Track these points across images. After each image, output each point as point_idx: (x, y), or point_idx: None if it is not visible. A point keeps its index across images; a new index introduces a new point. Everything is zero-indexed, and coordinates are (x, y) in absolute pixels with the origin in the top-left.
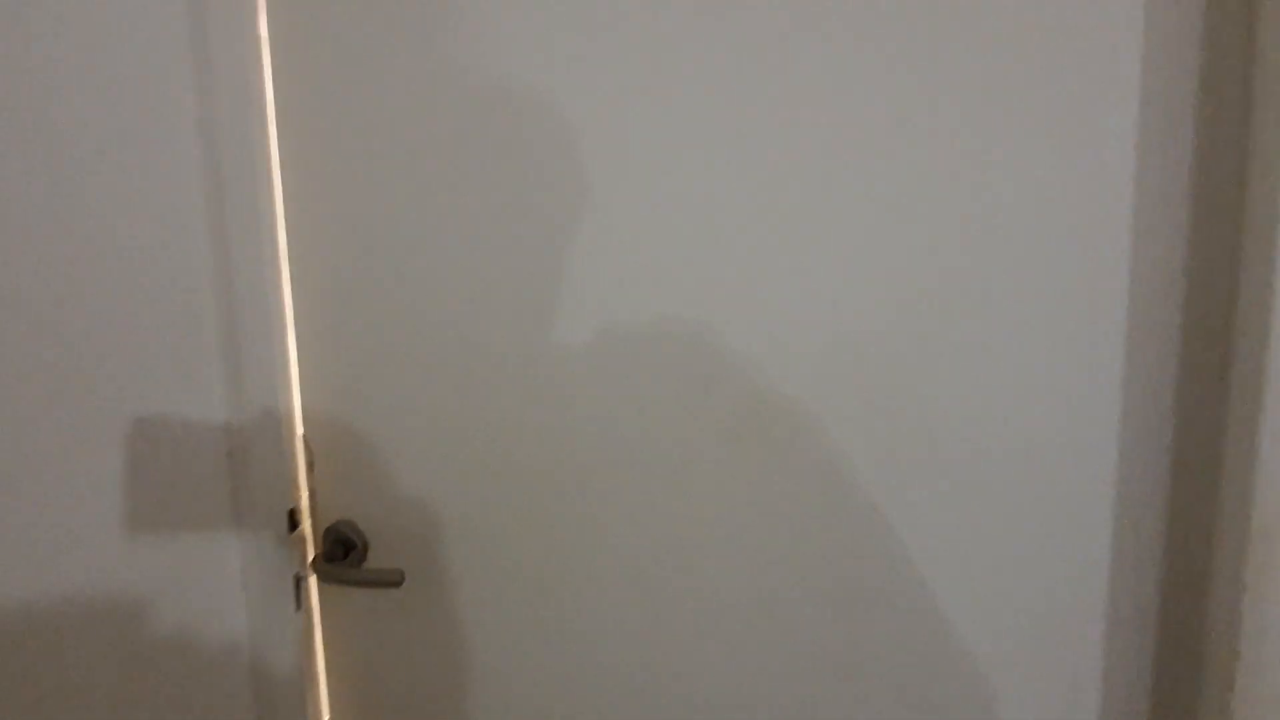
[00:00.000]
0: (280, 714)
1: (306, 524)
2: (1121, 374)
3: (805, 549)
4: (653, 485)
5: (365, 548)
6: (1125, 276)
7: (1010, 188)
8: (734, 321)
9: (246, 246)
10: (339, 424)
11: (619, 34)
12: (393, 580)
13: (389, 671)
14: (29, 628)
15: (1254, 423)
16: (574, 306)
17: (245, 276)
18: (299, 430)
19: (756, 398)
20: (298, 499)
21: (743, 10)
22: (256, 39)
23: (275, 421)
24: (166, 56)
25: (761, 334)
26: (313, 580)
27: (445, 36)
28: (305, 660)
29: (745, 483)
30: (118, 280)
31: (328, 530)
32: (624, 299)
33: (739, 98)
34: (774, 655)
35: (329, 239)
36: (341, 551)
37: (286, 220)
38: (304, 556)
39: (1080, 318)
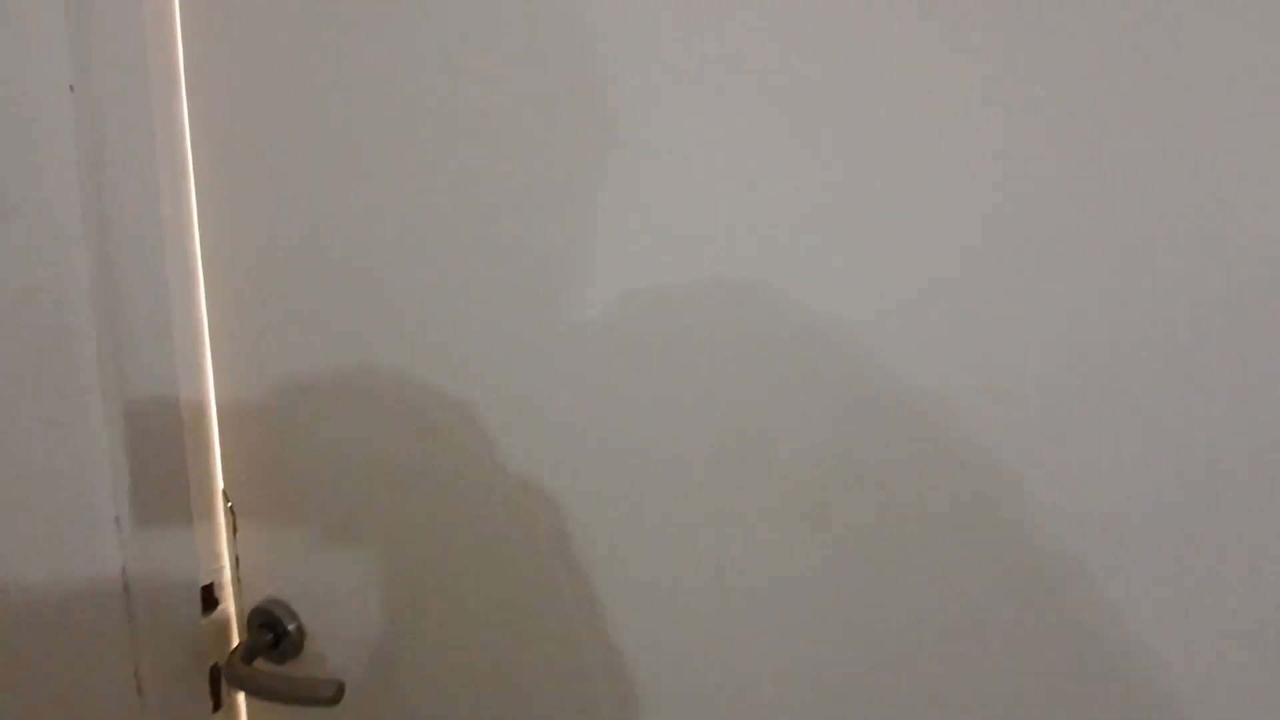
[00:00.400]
0: None
1: (230, 602)
2: None
3: (922, 697)
4: (679, 572)
5: (301, 635)
6: None
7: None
8: (821, 324)
9: (146, 250)
10: (270, 473)
11: None
12: (327, 697)
13: None
14: None
15: None
16: (574, 318)
17: (136, 274)
18: (219, 483)
19: (844, 450)
20: (217, 571)
21: None
22: None
23: (181, 470)
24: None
25: (874, 346)
26: None
27: None
28: None
29: (823, 579)
30: None
31: (253, 613)
32: (641, 315)
33: None
34: None
35: (255, 237)
36: (270, 640)
37: (201, 226)
38: (227, 643)
39: None
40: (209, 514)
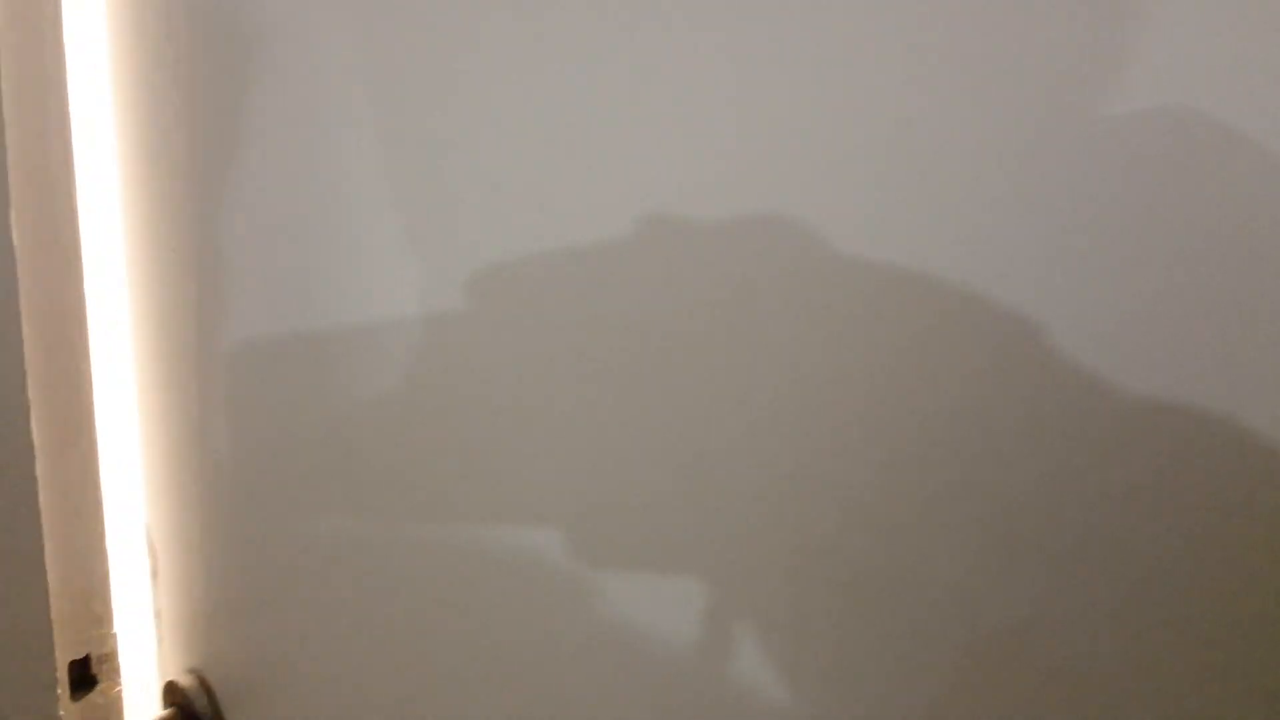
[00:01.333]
0: None
1: (116, 679)
2: None
3: None
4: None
5: None
6: None
7: None
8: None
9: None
10: (195, 501)
11: None
12: None
13: None
14: None
15: None
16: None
17: None
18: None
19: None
20: (98, 640)
21: None
22: None
23: (30, 497)
24: None
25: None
26: None
27: None
28: None
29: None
30: None
31: (167, 689)
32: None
33: None
34: None
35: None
36: None
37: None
38: None
39: None
40: (93, 548)
